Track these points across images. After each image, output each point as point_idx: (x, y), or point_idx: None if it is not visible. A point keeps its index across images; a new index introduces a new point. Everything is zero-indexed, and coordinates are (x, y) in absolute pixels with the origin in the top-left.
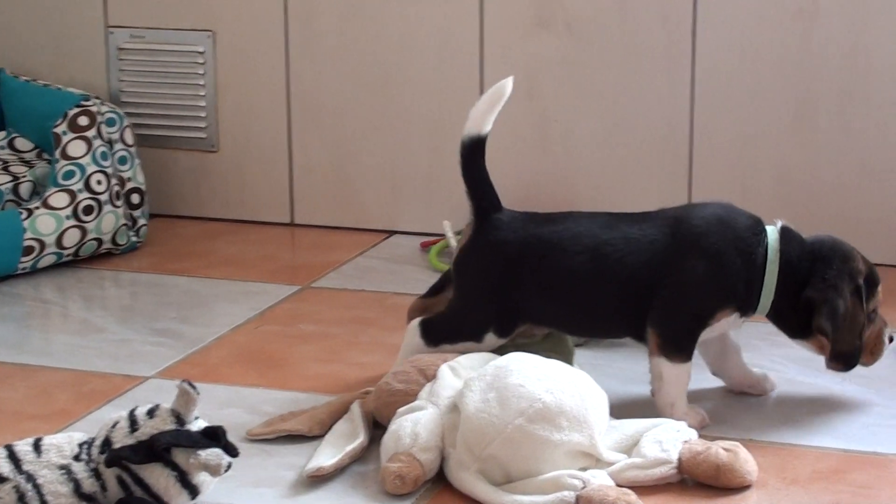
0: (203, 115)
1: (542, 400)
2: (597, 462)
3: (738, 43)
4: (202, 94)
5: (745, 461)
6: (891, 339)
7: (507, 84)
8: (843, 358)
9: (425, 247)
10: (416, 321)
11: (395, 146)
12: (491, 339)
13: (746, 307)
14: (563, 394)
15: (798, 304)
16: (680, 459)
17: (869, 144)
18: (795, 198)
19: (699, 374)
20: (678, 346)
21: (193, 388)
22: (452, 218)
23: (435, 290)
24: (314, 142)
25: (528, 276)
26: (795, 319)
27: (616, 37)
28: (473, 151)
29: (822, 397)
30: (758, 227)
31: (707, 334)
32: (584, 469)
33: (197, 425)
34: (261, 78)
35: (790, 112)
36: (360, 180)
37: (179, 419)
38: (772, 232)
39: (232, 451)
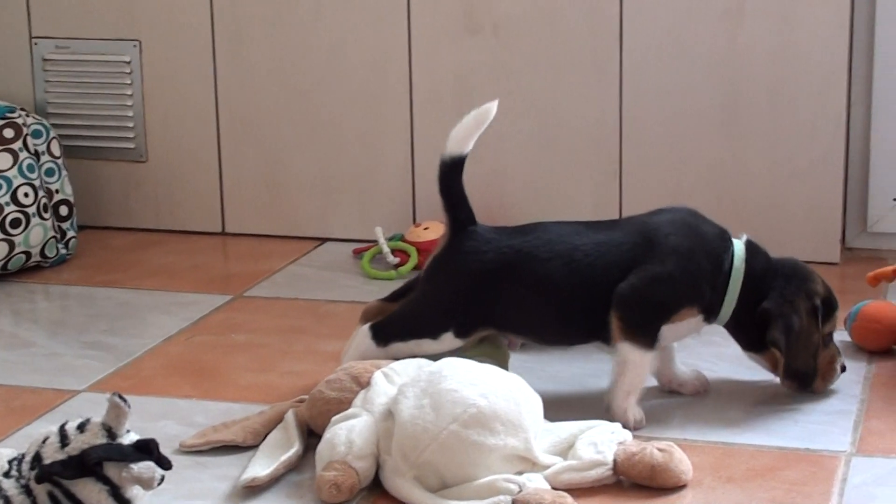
0: (131, 125)
1: (477, 405)
2: (532, 465)
3: (665, 43)
4: (129, 104)
5: (680, 461)
6: (843, 369)
7: (493, 107)
8: (797, 376)
9: (358, 253)
10: (366, 326)
11: (325, 153)
12: (448, 338)
13: (710, 312)
14: (497, 398)
15: (754, 320)
16: (615, 461)
17: (796, 142)
18: (725, 196)
19: None
20: (641, 331)
21: (124, 401)
22: (384, 224)
23: (397, 296)
24: (244, 150)
25: (499, 286)
26: (752, 332)
27: (544, 40)
28: (453, 169)
29: (755, 396)
30: (724, 235)
31: (671, 335)
32: (519, 473)
33: (129, 438)
34: (188, 87)
35: (718, 111)
36: (290, 188)
37: (111, 433)
38: (738, 243)
39: (164, 463)
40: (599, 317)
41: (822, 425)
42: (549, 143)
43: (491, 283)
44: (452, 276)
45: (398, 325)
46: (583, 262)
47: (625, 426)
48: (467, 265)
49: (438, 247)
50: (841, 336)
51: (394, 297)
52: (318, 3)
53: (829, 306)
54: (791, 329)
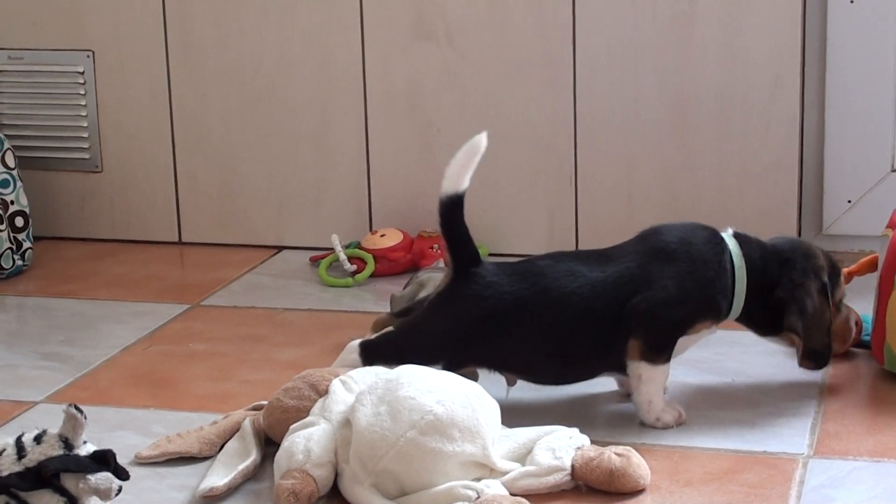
0: (85, 135)
1: (434, 412)
2: (490, 472)
3: (617, 49)
4: (84, 114)
5: (638, 466)
6: (858, 325)
7: (482, 139)
8: (815, 355)
9: (314, 261)
10: (356, 342)
11: (280, 161)
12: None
13: (722, 315)
14: (455, 405)
15: (767, 305)
16: (573, 466)
17: (750, 144)
18: (680, 199)
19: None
20: (659, 352)
21: (80, 412)
22: (340, 231)
23: (407, 311)
24: (199, 159)
25: (497, 332)
26: (765, 319)
27: (497, 46)
28: (453, 208)
29: (711, 399)
30: (717, 237)
31: (685, 344)
32: (477, 479)
33: (86, 449)
34: (142, 96)
35: (672, 114)
36: (246, 197)
37: (67, 444)
38: (729, 240)
39: (122, 474)
40: (602, 355)
41: (780, 428)
42: (503, 150)
43: (489, 329)
44: (452, 318)
45: (389, 349)
46: (579, 306)
47: (665, 427)
48: (468, 309)
49: (442, 284)
50: None
51: (403, 312)
52: (269, 12)
53: (836, 275)
54: (806, 312)
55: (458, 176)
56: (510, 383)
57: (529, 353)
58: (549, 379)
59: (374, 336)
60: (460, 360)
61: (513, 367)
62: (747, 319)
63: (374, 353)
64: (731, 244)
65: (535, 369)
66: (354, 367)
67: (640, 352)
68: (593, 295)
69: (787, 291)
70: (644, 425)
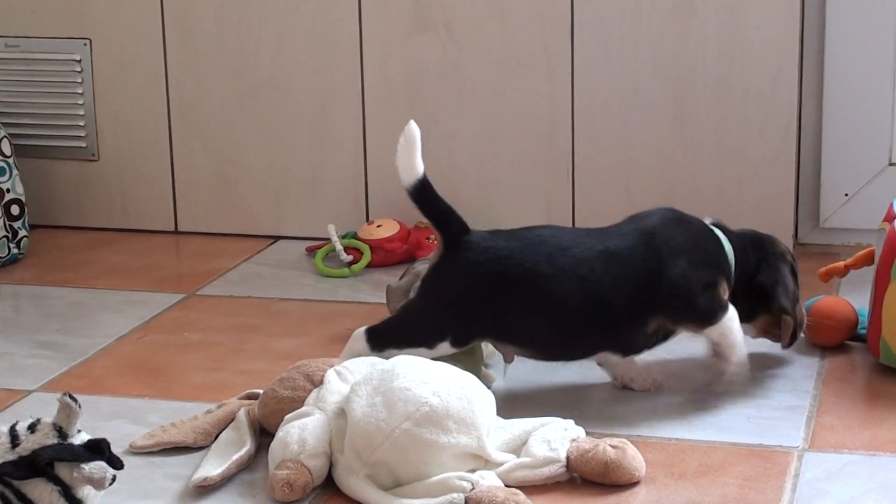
0: (82, 123)
1: (429, 403)
2: (485, 463)
3: (616, 41)
4: (80, 102)
5: (633, 458)
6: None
7: (412, 126)
8: (796, 334)
9: (311, 251)
10: (361, 329)
11: (277, 151)
12: (444, 347)
13: (730, 283)
14: (450, 396)
15: (748, 291)
16: (568, 458)
17: (748, 137)
18: (677, 191)
19: (585, 371)
20: (713, 313)
21: (75, 400)
22: (337, 221)
23: None
24: (196, 148)
25: (498, 298)
26: (745, 305)
27: (496, 38)
28: (422, 192)
29: (708, 392)
30: (696, 221)
31: None
32: (472, 470)
33: (80, 438)
34: (140, 85)
35: (670, 107)
36: (243, 186)
37: (61, 433)
38: (710, 223)
39: (116, 463)
40: (605, 330)
41: (775, 421)
42: (502, 143)
43: (489, 295)
44: (450, 288)
45: (395, 332)
46: (588, 277)
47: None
48: (465, 277)
49: (434, 257)
50: None
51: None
52: (268, 1)
53: (796, 261)
54: (789, 291)
55: (409, 166)
56: (508, 360)
57: (532, 323)
58: (551, 353)
59: (378, 322)
60: (466, 333)
61: (517, 339)
62: (733, 300)
63: (380, 338)
64: (717, 232)
65: (538, 341)
66: (362, 354)
67: (699, 327)
68: (601, 268)
69: (769, 276)
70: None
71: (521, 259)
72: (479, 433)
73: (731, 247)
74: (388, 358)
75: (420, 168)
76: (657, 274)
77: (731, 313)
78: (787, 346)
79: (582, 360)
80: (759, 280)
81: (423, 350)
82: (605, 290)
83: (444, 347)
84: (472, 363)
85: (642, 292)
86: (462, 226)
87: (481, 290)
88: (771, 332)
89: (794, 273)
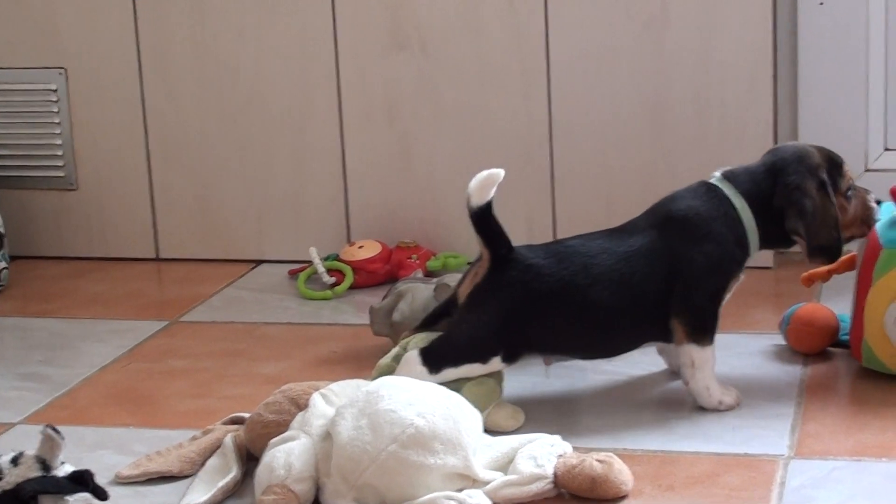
0: (60, 153)
1: (415, 424)
2: (473, 482)
3: (592, 54)
4: (58, 132)
5: (620, 472)
6: (878, 202)
7: (499, 171)
8: (824, 251)
9: (293, 274)
10: (414, 351)
11: (257, 175)
12: (496, 362)
13: (744, 262)
14: (435, 417)
15: (774, 220)
16: (555, 474)
17: (725, 146)
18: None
19: (569, 384)
20: (704, 329)
21: (57, 432)
22: (318, 244)
23: (431, 321)
24: (175, 174)
25: (543, 314)
26: (778, 235)
27: (472, 55)
28: (484, 215)
29: (693, 402)
30: (713, 190)
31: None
32: (460, 490)
33: (63, 470)
34: (117, 113)
35: (647, 118)
36: (224, 211)
37: (45, 465)
38: (721, 183)
39: (101, 494)
40: (644, 325)
41: (760, 430)
42: (480, 159)
43: (535, 312)
44: (499, 305)
45: (448, 350)
46: (621, 281)
47: (728, 409)
48: (512, 294)
49: (478, 274)
50: (775, 340)
51: (430, 322)
52: (243, 26)
53: (835, 167)
54: (805, 212)
55: (483, 194)
56: (547, 363)
57: (578, 331)
58: (596, 354)
59: (429, 342)
60: (516, 348)
61: (564, 348)
62: (767, 244)
63: (436, 358)
64: (725, 188)
65: (583, 346)
66: (420, 377)
67: (686, 333)
68: (630, 269)
69: (782, 199)
70: (705, 410)
71: (561, 273)
72: (465, 453)
73: (742, 202)
74: (442, 378)
75: (491, 195)
76: (676, 268)
77: (708, 350)
78: (814, 262)
79: (627, 353)
80: (775, 204)
81: (477, 366)
82: (637, 287)
83: (496, 363)
84: (488, 391)
85: (669, 282)
86: (508, 245)
87: (528, 306)
88: None
89: (825, 188)
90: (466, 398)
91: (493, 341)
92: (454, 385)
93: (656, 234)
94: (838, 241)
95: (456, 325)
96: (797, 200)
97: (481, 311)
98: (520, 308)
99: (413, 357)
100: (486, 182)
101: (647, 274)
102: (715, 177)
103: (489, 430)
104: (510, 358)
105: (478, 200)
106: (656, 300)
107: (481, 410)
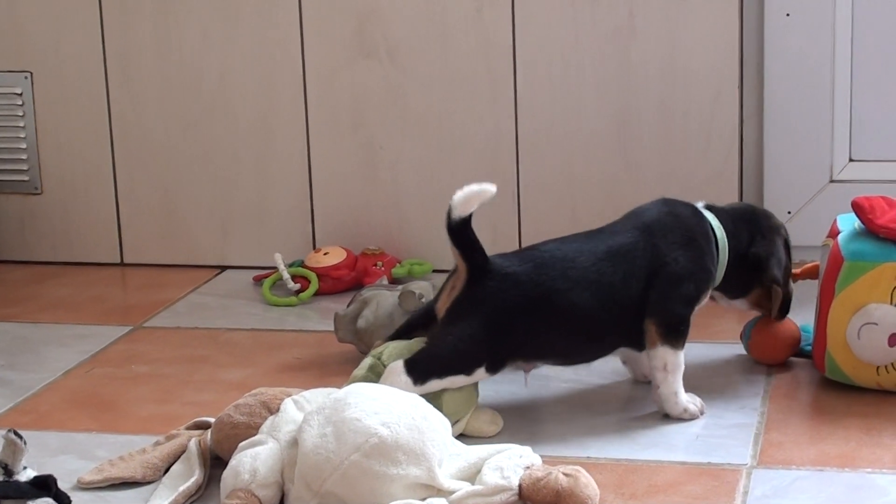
0: (24, 157)
1: (379, 434)
2: (437, 492)
3: (559, 63)
4: (22, 136)
5: (586, 486)
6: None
7: (491, 187)
8: (787, 304)
9: (258, 280)
10: (399, 362)
11: (222, 181)
12: (481, 373)
13: (713, 284)
14: (400, 427)
15: (743, 266)
16: (521, 486)
17: (691, 156)
18: (623, 212)
19: (535, 393)
20: (678, 333)
21: (20, 437)
22: (283, 250)
23: (405, 332)
24: (140, 180)
25: (524, 321)
26: (739, 281)
27: (438, 63)
28: (463, 227)
29: (655, 410)
30: (697, 210)
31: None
32: (423, 499)
33: (26, 475)
34: (82, 117)
35: (613, 129)
36: (188, 217)
37: (7, 470)
38: (706, 213)
39: (63, 499)
40: (625, 326)
41: (723, 439)
42: (446, 166)
43: (515, 320)
44: (479, 317)
45: (433, 362)
46: (600, 281)
47: (692, 418)
48: (492, 305)
49: (458, 289)
50: (739, 350)
51: (403, 333)
52: (209, 31)
53: (788, 236)
54: (782, 264)
55: (466, 207)
56: (527, 370)
57: (558, 336)
58: (576, 359)
59: (412, 354)
60: (501, 357)
61: (546, 354)
62: (723, 286)
63: (420, 369)
64: (710, 217)
65: (565, 351)
66: (404, 389)
67: (660, 334)
68: (611, 268)
69: (763, 248)
70: (669, 418)
71: (539, 280)
72: (429, 464)
73: (723, 232)
74: (427, 389)
75: (472, 210)
76: (657, 269)
77: (680, 355)
78: (779, 317)
79: (604, 358)
80: (754, 251)
81: (461, 377)
82: (616, 289)
83: (481, 373)
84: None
85: (648, 283)
86: (484, 256)
87: (508, 315)
88: (763, 305)
89: (787, 247)
90: (447, 403)
91: (477, 353)
92: (435, 392)
93: (639, 234)
94: (791, 296)
95: (440, 337)
96: (776, 252)
97: (464, 324)
98: (501, 318)
99: (398, 368)
100: (472, 196)
101: (630, 272)
102: (699, 204)
103: (470, 436)
104: (494, 368)
105: (460, 213)
106: (636, 300)
107: (462, 415)
